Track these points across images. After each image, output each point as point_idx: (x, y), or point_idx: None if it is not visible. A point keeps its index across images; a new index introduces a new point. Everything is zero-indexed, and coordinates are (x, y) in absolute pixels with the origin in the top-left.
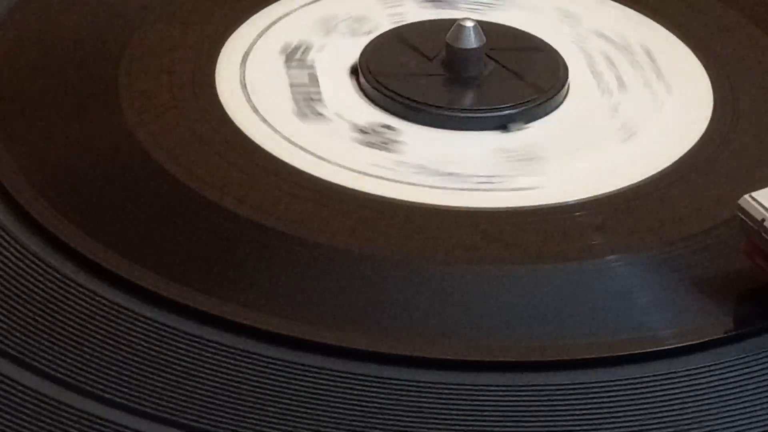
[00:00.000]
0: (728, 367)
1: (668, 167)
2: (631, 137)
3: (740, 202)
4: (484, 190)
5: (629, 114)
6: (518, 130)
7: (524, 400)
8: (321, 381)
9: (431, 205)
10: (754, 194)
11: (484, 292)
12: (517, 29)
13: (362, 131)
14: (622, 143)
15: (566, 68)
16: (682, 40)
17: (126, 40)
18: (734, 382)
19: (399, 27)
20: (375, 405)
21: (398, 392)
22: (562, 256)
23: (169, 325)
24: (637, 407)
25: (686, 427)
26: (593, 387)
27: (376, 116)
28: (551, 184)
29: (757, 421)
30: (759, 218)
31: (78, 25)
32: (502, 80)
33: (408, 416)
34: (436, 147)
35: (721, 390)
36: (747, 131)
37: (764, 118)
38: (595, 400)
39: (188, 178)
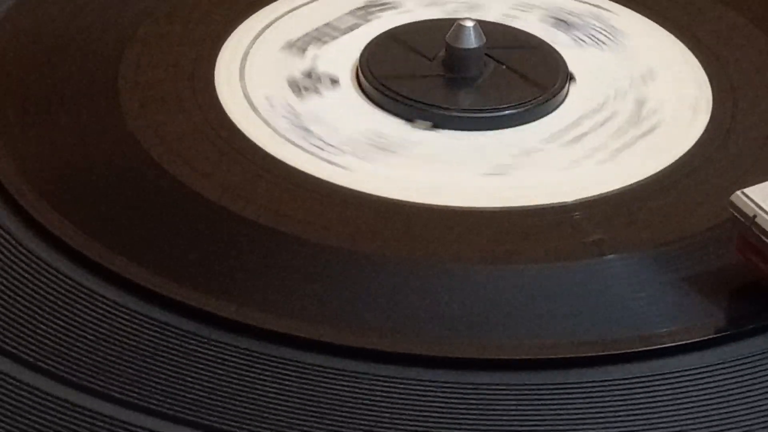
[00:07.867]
0: (727, 365)
1: (667, 167)
2: (499, 175)
3: (732, 198)
4: (306, 151)
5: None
6: (423, 128)
7: (523, 399)
8: (320, 380)
9: (432, 205)
10: (746, 190)
11: (483, 291)
12: (523, 31)
13: (305, 74)
14: (485, 175)
15: (556, 92)
16: (688, 48)
17: (126, 40)
18: (733, 380)
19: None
20: (374, 404)
21: (398, 391)
22: (562, 256)
23: (167, 323)
24: (636, 406)
25: (685, 425)
26: (592, 386)
27: (325, 67)
28: (353, 169)
29: (756, 420)
30: (750, 214)
31: (78, 25)
32: (492, 83)
33: (408, 415)
34: (338, 109)
35: (720, 388)
36: (746, 131)
37: (763, 118)
38: (593, 399)
39: (187, 178)
